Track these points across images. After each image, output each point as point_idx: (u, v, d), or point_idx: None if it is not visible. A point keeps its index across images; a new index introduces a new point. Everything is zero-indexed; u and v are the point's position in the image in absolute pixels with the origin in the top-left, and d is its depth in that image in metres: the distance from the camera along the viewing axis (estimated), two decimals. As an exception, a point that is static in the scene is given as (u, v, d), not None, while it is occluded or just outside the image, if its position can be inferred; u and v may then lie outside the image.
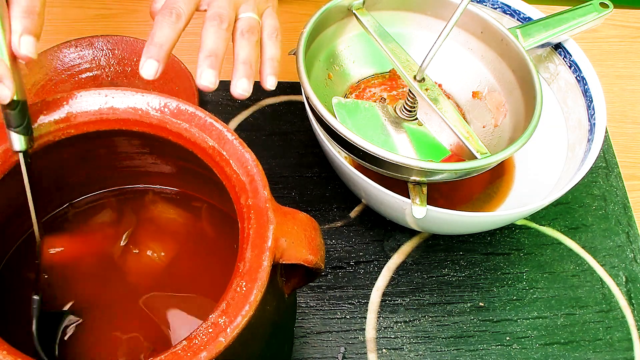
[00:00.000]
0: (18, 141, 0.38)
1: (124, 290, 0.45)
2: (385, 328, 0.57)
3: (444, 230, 0.59)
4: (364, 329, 0.57)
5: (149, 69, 0.44)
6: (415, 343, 0.56)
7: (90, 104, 0.40)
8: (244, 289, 0.34)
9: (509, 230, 0.64)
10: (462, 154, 0.57)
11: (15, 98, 0.37)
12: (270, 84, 0.49)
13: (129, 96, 0.40)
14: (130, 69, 0.69)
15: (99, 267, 0.45)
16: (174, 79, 0.67)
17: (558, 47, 0.62)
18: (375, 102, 0.62)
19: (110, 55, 0.69)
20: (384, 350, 0.56)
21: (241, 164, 0.38)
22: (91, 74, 0.68)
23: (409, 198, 0.51)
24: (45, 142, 0.39)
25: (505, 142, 0.59)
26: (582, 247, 0.64)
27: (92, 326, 0.43)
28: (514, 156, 0.64)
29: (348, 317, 0.57)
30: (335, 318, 0.57)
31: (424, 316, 0.58)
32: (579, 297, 0.60)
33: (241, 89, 0.47)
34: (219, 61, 0.46)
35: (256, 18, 0.49)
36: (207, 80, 0.45)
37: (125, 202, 0.48)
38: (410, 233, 0.63)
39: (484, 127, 0.62)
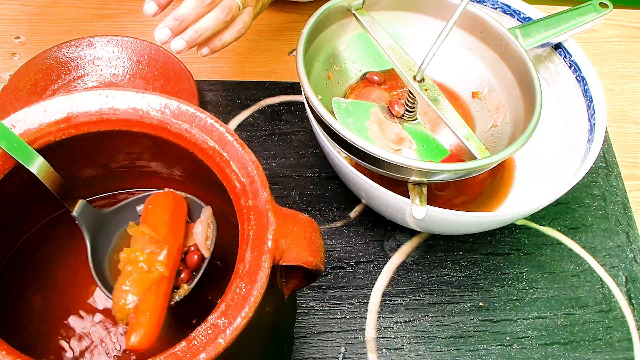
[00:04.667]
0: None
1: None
2: (385, 328, 0.57)
3: (444, 230, 0.59)
4: (364, 329, 0.57)
5: (162, 35, 0.52)
6: (415, 343, 0.56)
7: (91, 104, 0.40)
8: (244, 290, 0.33)
9: (509, 230, 0.64)
10: (462, 154, 0.57)
11: None
12: (203, 52, 0.55)
13: (130, 96, 0.40)
14: (130, 69, 0.69)
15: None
16: (173, 79, 0.67)
17: (558, 47, 0.62)
18: (374, 102, 0.62)
19: (110, 56, 0.69)
20: (384, 350, 0.56)
21: (241, 165, 0.38)
22: (92, 74, 0.68)
23: (409, 198, 0.51)
24: (45, 142, 0.39)
25: (505, 142, 0.59)
26: (582, 247, 0.64)
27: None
28: (514, 156, 0.64)
29: (348, 317, 0.57)
30: (335, 318, 0.57)
31: (424, 316, 0.58)
32: (579, 297, 0.60)
33: (173, 45, 0.52)
34: (182, 27, 0.51)
35: (238, 4, 0.53)
36: (162, 34, 0.51)
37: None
38: (410, 233, 0.63)
39: (483, 127, 0.62)
